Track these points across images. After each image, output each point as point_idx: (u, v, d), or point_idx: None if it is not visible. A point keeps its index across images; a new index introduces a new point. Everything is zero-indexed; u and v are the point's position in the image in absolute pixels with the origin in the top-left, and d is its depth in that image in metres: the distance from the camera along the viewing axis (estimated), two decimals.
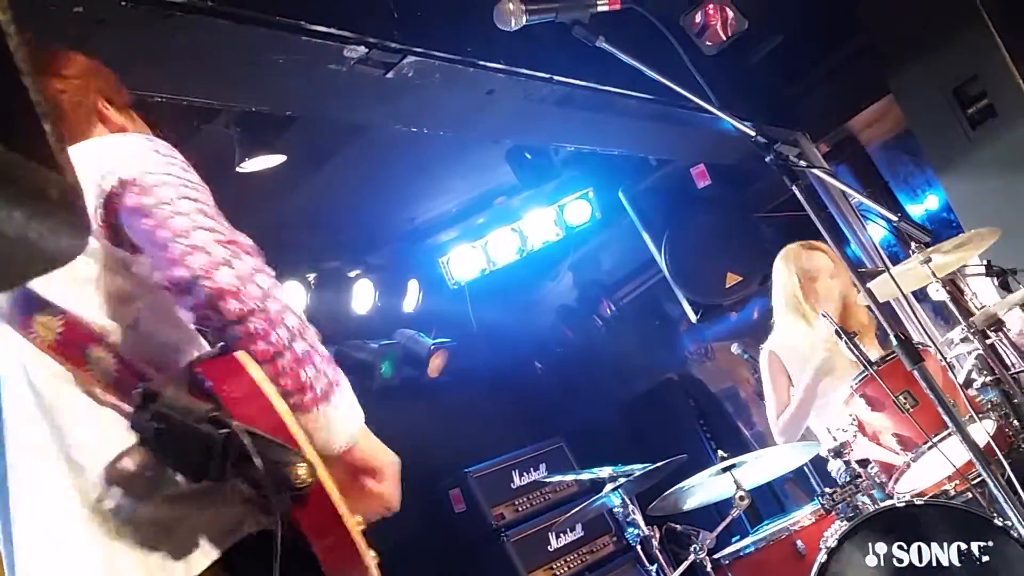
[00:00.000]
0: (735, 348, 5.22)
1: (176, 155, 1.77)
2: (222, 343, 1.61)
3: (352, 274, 6.33)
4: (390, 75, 3.68)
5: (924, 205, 6.57)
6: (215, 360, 1.59)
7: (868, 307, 4.37)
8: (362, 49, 3.44)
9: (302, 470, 1.48)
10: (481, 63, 3.95)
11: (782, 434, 4.51)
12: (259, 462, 1.45)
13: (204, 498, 1.57)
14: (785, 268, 4.70)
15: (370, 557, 1.63)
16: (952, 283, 4.22)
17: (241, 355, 1.56)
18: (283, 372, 1.58)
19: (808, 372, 4.34)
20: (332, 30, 3.30)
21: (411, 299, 6.70)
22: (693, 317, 6.53)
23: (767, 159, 2.58)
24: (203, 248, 1.56)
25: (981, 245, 4.08)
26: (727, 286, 6.38)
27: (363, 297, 6.33)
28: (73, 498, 1.55)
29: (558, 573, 6.37)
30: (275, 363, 1.58)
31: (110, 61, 2.89)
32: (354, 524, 1.59)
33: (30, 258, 0.55)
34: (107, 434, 1.57)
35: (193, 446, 1.47)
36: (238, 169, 4.38)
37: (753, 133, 2.60)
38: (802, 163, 2.62)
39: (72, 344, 1.59)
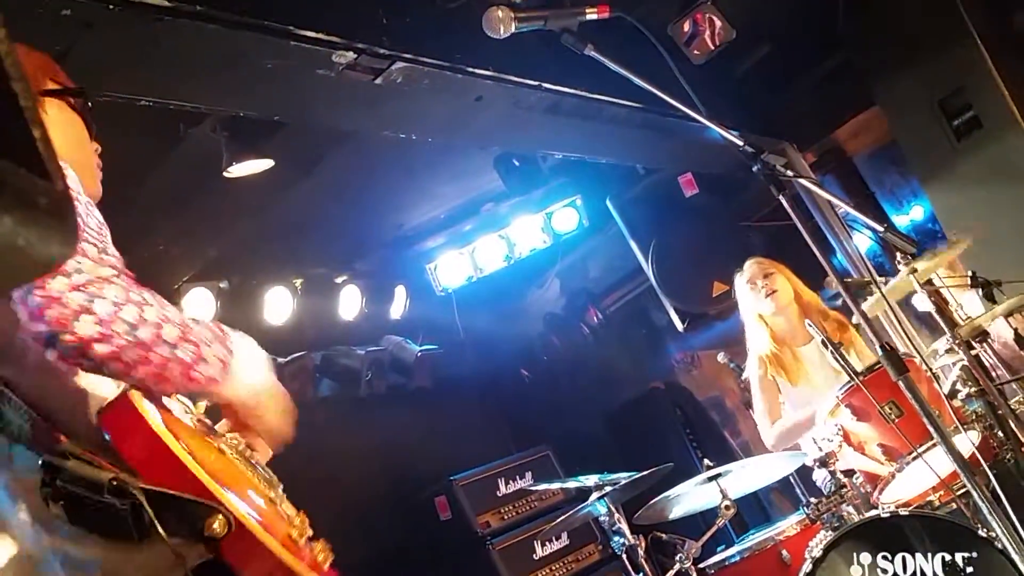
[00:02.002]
0: (721, 357, 5.23)
1: (72, 179, 1.68)
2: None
3: (339, 280, 6.32)
4: (379, 81, 3.67)
5: (909, 215, 6.61)
6: (112, 410, 1.57)
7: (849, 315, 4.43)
8: (351, 55, 3.44)
9: (216, 523, 1.47)
10: (470, 70, 3.95)
11: (775, 444, 4.54)
12: (162, 531, 1.45)
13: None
14: (740, 293, 4.93)
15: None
16: (937, 293, 4.23)
17: (134, 396, 1.57)
18: (178, 382, 1.63)
19: (806, 407, 4.41)
20: (321, 35, 3.29)
21: (398, 305, 6.69)
22: (680, 326, 6.54)
23: (754, 169, 2.58)
24: (58, 299, 1.49)
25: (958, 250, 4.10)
26: (714, 295, 6.39)
27: (350, 303, 6.32)
28: (7, 545, 1.55)
29: None
30: (167, 379, 1.60)
31: (97, 64, 2.90)
32: (287, 554, 1.56)
33: (19, 265, 0.54)
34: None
35: (101, 519, 1.47)
36: (225, 174, 4.36)
37: (740, 143, 2.60)
38: (789, 173, 2.62)
39: None
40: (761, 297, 4.74)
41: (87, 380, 1.65)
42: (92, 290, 1.52)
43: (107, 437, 1.54)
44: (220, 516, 1.48)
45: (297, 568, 1.56)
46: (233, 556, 1.50)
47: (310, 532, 1.81)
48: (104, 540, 1.52)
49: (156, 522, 1.45)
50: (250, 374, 1.83)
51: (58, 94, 1.96)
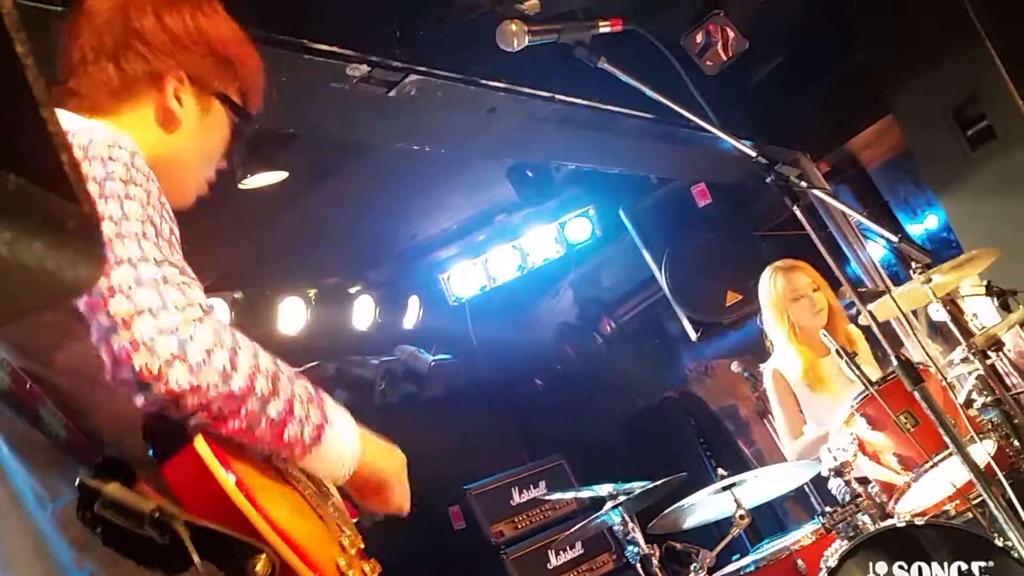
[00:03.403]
0: (735, 366, 5.21)
1: (139, 181, 1.52)
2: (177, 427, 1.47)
3: (353, 290, 6.34)
4: (392, 93, 3.70)
5: (924, 225, 6.59)
6: (174, 459, 1.45)
7: (867, 327, 4.41)
8: (365, 68, 3.46)
9: (259, 564, 1.39)
10: (483, 82, 3.97)
11: (799, 459, 4.52)
12: (202, 568, 1.36)
13: None
14: (766, 300, 4.79)
15: None
16: (952, 303, 4.22)
17: (200, 446, 1.44)
18: (263, 439, 1.49)
19: (827, 422, 4.38)
20: (335, 48, 3.32)
21: (411, 315, 6.71)
22: (693, 335, 6.53)
23: (768, 180, 2.59)
24: (147, 345, 1.36)
25: (980, 265, 4.09)
26: (727, 304, 6.38)
27: (364, 313, 6.34)
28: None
29: None
30: (252, 434, 1.47)
31: None
32: None
33: (48, 288, 0.56)
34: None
35: (136, 550, 1.39)
36: (240, 186, 4.39)
37: (754, 154, 2.61)
38: (803, 184, 2.63)
39: (23, 399, 1.48)
40: (807, 313, 4.62)
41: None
42: (183, 334, 1.39)
43: (164, 478, 1.45)
44: (263, 557, 1.40)
45: None
46: None
47: (361, 547, 1.75)
48: (135, 567, 1.44)
49: (195, 557, 1.36)
50: (345, 449, 1.65)
51: (233, 108, 1.87)
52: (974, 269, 4.13)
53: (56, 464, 1.49)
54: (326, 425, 1.59)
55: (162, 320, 1.38)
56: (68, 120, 1.56)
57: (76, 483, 1.39)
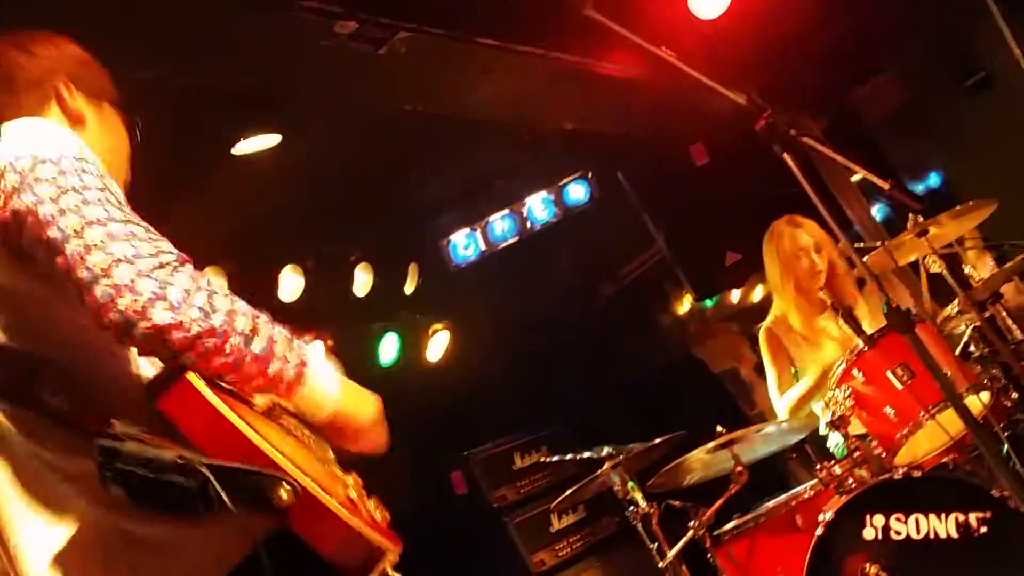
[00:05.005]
0: (735, 327, 5.20)
1: (89, 159, 1.65)
2: (168, 367, 1.55)
3: (352, 257, 6.33)
4: (382, 52, 3.67)
5: (923, 180, 6.55)
6: (169, 392, 1.51)
7: (861, 280, 4.39)
8: (353, 25, 3.44)
9: (283, 492, 1.46)
10: (475, 39, 3.93)
11: (789, 413, 4.50)
12: (231, 504, 1.42)
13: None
14: (769, 253, 4.71)
15: (381, 539, 1.62)
16: (950, 255, 4.19)
17: (192, 378, 1.51)
18: (250, 376, 1.57)
19: (818, 365, 4.34)
20: (322, 5, 3.29)
21: (411, 282, 6.70)
22: (693, 296, 6.51)
23: (757, 128, 2.56)
24: (129, 286, 1.47)
25: (979, 216, 4.05)
26: (727, 264, 6.36)
27: (363, 280, 6.33)
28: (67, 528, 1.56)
29: (561, 554, 6.37)
30: (239, 371, 1.55)
31: (99, 40, 2.90)
32: (353, 518, 1.56)
33: None
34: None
35: (166, 499, 1.44)
36: (233, 152, 4.35)
37: (744, 101, 2.58)
38: (792, 131, 2.60)
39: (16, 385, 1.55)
40: (807, 272, 4.55)
41: (127, 358, 1.62)
42: (161, 277, 1.50)
43: (162, 414, 1.50)
44: (285, 484, 1.46)
45: (365, 531, 1.56)
46: (302, 525, 1.50)
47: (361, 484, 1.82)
48: (167, 518, 1.50)
49: (224, 497, 1.42)
50: (327, 387, 1.73)
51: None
52: (972, 221, 4.09)
53: (61, 441, 1.56)
54: (305, 365, 1.67)
55: (138, 265, 1.49)
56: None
57: (96, 445, 1.45)
